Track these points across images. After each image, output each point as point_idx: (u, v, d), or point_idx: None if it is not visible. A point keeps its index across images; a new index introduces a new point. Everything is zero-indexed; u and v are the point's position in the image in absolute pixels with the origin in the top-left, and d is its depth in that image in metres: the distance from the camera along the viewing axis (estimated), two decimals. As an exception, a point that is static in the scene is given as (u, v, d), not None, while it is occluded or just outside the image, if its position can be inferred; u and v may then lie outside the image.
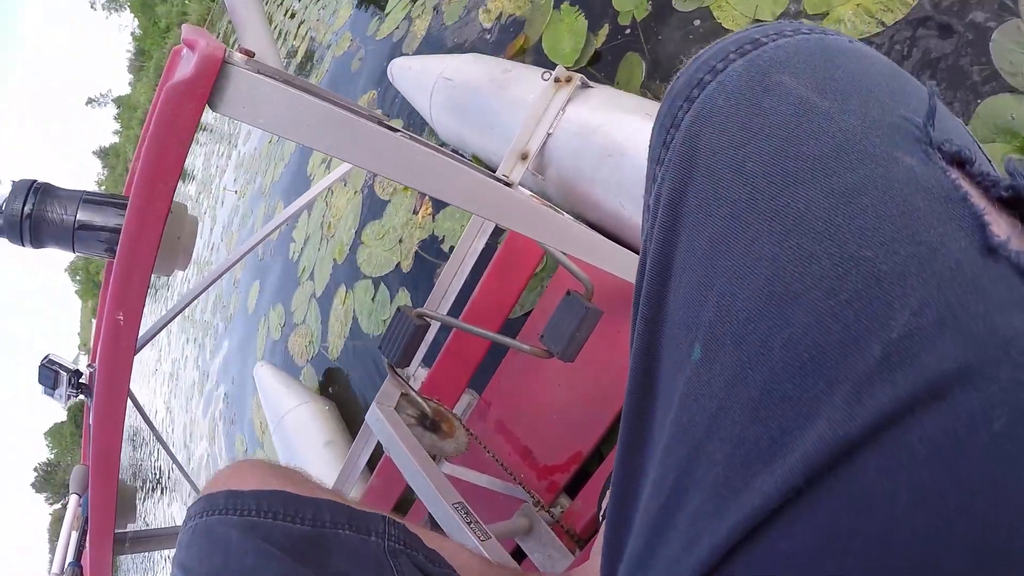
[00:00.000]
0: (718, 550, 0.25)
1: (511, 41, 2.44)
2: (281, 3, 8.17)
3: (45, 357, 1.03)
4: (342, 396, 2.92)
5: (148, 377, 9.87)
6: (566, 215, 1.23)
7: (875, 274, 0.25)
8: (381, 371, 2.63)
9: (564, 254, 1.13)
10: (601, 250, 0.99)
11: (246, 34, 0.73)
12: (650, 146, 0.37)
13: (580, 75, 1.56)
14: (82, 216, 0.79)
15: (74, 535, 1.05)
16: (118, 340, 0.70)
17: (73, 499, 1.04)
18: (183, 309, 0.96)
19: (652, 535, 0.30)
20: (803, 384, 0.25)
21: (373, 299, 2.74)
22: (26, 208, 0.77)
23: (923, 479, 0.22)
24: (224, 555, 0.61)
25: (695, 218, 0.32)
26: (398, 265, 2.66)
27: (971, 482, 0.21)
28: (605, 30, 2.07)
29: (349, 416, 2.81)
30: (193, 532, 0.66)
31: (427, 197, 2.63)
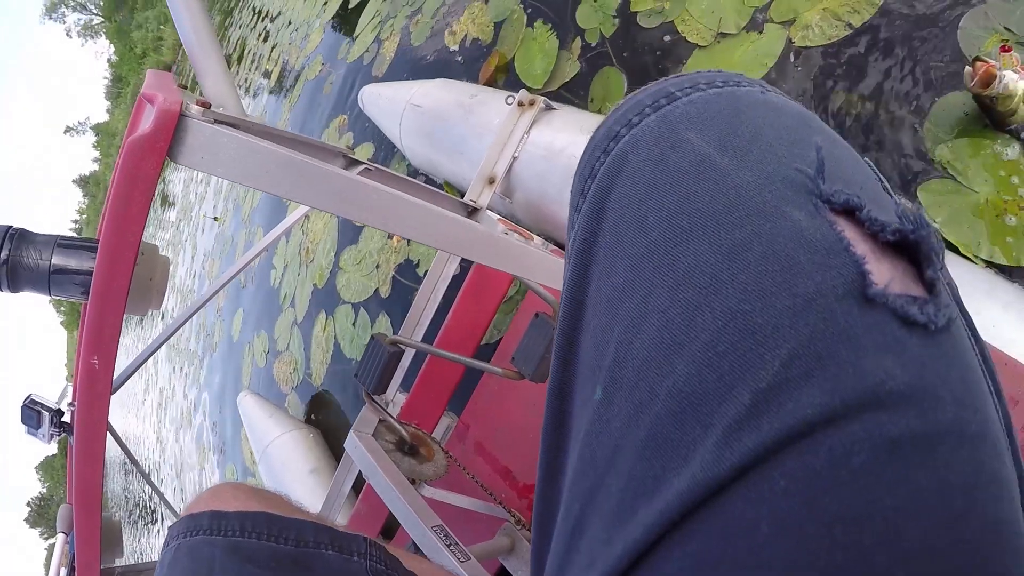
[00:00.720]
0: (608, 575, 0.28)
1: (485, 60, 2.46)
2: (254, 27, 8.18)
3: (27, 397, 1.04)
4: (327, 422, 2.93)
5: (137, 407, 9.78)
6: (536, 238, 1.25)
7: (750, 327, 0.27)
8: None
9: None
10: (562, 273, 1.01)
11: (206, 80, 0.75)
12: (571, 193, 0.39)
13: (543, 98, 1.59)
14: (57, 260, 0.81)
15: (63, 572, 1.06)
16: (93, 383, 0.72)
17: (60, 537, 1.05)
18: (156, 349, 0.97)
19: (561, 560, 0.32)
20: (682, 428, 0.27)
21: (354, 324, 2.75)
22: (2, 254, 0.78)
23: (783, 510, 0.24)
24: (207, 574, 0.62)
25: (602, 267, 0.34)
26: (376, 291, 2.67)
27: (829, 512, 0.23)
28: (578, 47, 2.10)
29: (334, 442, 2.81)
30: (175, 552, 0.66)
31: (400, 221, 2.64)
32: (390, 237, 2.69)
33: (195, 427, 5.60)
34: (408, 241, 2.55)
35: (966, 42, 1.28)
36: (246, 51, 7.86)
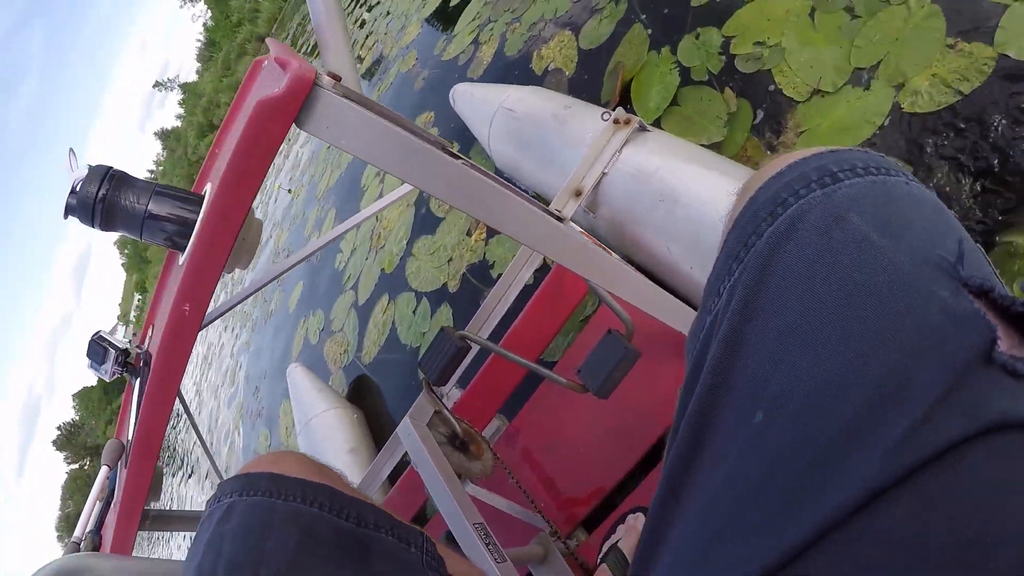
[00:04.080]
0: (779, 558, 0.34)
1: (606, 73, 2.41)
2: (351, 12, 8.37)
3: (96, 333, 1.05)
4: (369, 406, 2.95)
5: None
6: (614, 255, 1.25)
7: (912, 377, 0.34)
8: (411, 385, 2.66)
9: (609, 293, 1.14)
10: (648, 294, 1.01)
11: (329, 55, 0.76)
12: (727, 242, 0.46)
13: (639, 118, 1.59)
14: (153, 207, 0.83)
15: (99, 505, 1.07)
16: (181, 329, 0.73)
17: (104, 470, 1.06)
18: (250, 296, 0.99)
19: (707, 549, 0.38)
20: (848, 454, 0.34)
21: (414, 312, 2.78)
22: (100, 192, 0.81)
23: (926, 491, 0.32)
24: (261, 538, 0.61)
25: (767, 313, 0.40)
26: (444, 284, 2.69)
27: (967, 497, 0.31)
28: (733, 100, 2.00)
29: (375, 426, 2.84)
30: (228, 509, 0.65)
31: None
32: (469, 234, 2.72)
33: (237, 388, 5.72)
34: (486, 241, 2.58)
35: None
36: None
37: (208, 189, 0.88)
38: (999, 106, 1.38)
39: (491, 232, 2.61)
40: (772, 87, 1.85)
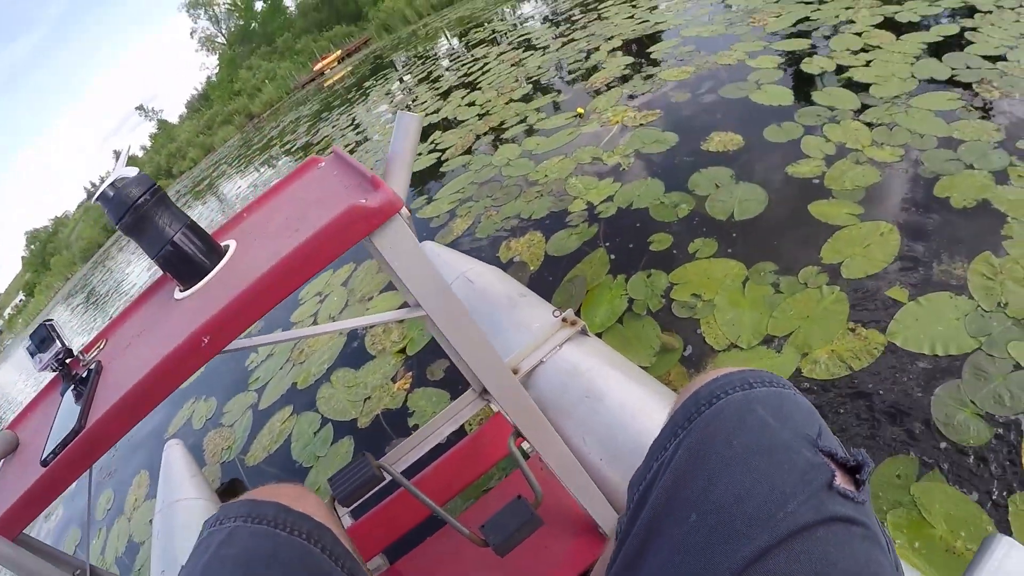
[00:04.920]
0: None
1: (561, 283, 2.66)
2: (344, 135, 8.73)
3: (48, 319, 1.02)
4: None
5: (41, 380, 9.08)
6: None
7: (785, 491, 0.57)
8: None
9: (525, 462, 1.25)
10: (568, 468, 1.13)
11: (395, 187, 0.88)
12: (675, 417, 0.69)
13: (584, 323, 1.78)
14: (179, 238, 0.89)
15: None
16: (188, 357, 0.75)
17: None
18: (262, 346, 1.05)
19: None
20: (751, 529, 0.55)
21: (315, 434, 2.77)
22: (139, 200, 0.86)
23: (796, 551, 0.54)
24: (265, 568, 0.63)
25: (704, 458, 0.62)
26: (355, 419, 2.72)
27: (822, 561, 0.53)
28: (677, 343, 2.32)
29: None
30: (231, 533, 0.67)
31: (410, 372, 2.80)
32: (393, 381, 2.79)
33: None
34: (409, 391, 2.67)
35: (937, 407, 1.60)
36: (326, 151, 8.30)
37: (232, 245, 0.97)
38: (876, 390, 1.71)
39: (416, 384, 2.70)
40: (699, 331, 2.16)
